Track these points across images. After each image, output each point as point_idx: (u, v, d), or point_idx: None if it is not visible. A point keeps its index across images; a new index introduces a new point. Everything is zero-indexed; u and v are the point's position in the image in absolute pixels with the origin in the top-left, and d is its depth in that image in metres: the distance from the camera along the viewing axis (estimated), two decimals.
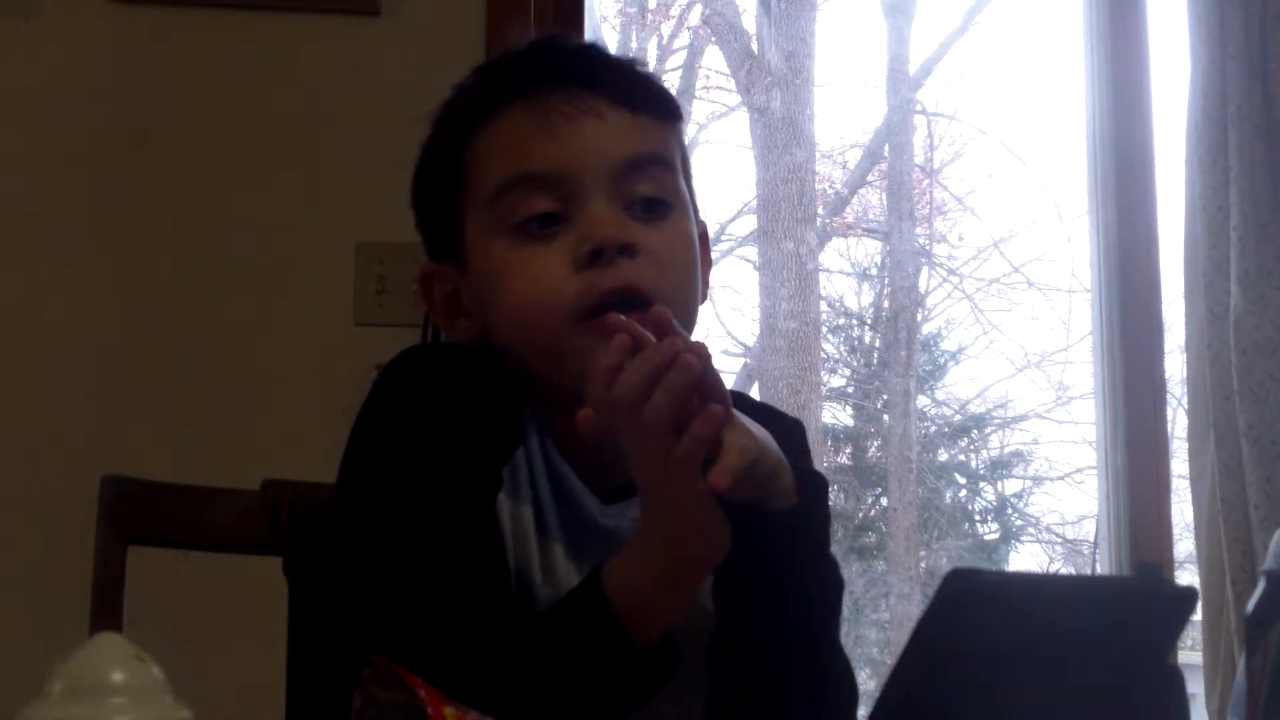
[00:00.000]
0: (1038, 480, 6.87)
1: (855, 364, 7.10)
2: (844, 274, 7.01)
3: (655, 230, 1.10)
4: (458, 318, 1.17)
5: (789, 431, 1.19)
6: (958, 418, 6.98)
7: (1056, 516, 6.76)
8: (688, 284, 1.12)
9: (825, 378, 6.75)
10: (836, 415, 6.99)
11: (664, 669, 0.98)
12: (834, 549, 1.11)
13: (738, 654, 1.03)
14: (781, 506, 1.01)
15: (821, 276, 6.69)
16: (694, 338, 1.02)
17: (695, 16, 7.05)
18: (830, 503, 1.11)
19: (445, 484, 1.05)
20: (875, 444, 6.88)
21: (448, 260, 1.16)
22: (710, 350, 0.98)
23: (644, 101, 1.14)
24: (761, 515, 1.00)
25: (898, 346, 6.66)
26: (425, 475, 1.05)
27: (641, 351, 0.95)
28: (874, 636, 6.19)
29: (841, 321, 7.09)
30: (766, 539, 1.01)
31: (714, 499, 0.96)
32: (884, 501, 6.64)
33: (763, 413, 1.14)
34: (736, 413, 0.98)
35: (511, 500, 1.08)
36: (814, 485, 1.04)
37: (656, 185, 1.12)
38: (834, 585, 1.09)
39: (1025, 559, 6.73)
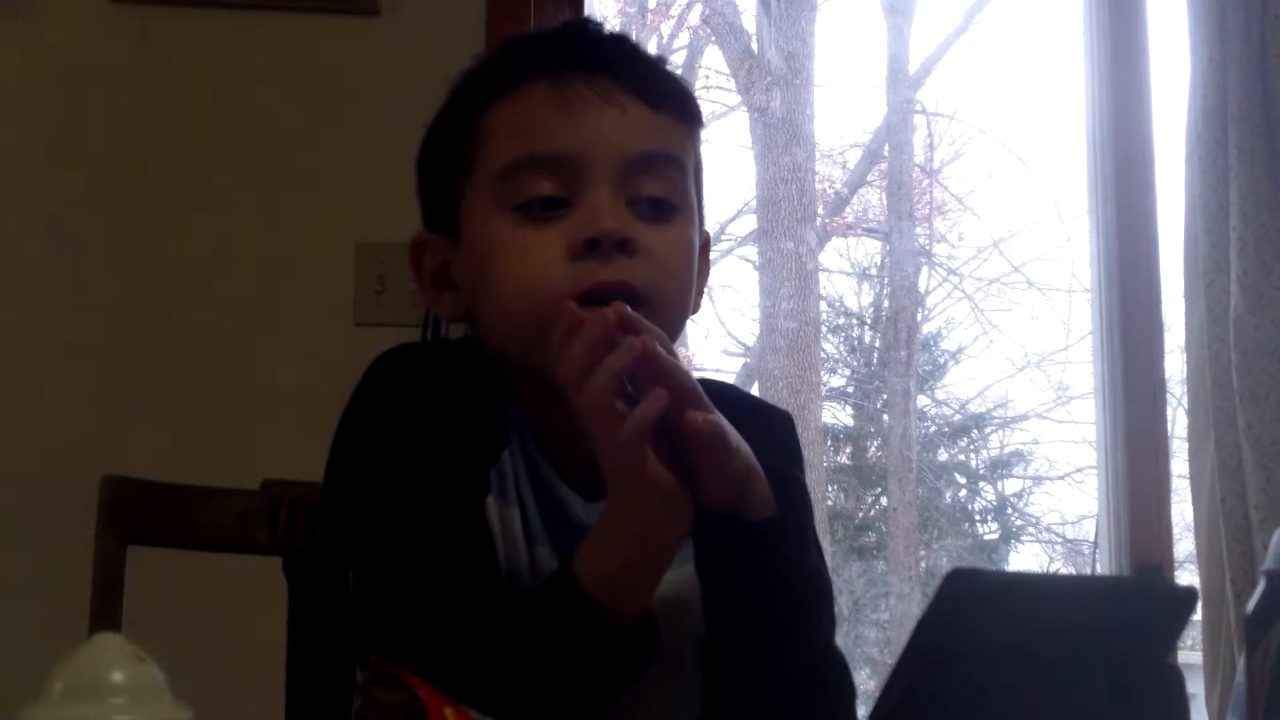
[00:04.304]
0: (1038, 480, 6.87)
1: (855, 364, 7.10)
2: (844, 274, 7.01)
3: (657, 231, 1.08)
4: (444, 291, 1.14)
5: (778, 426, 1.19)
6: (958, 418, 6.97)
7: (1056, 516, 6.76)
8: (682, 290, 1.10)
9: (825, 378, 6.74)
10: (836, 415, 6.99)
11: (645, 650, 0.98)
12: (834, 549, 1.11)
13: (729, 657, 1.03)
14: (760, 517, 1.00)
15: (821, 276, 6.68)
16: (689, 340, 1.02)
17: (695, 16, 7.04)
18: (814, 498, 1.10)
19: (434, 487, 1.04)
20: (875, 444, 6.88)
21: (442, 231, 1.14)
22: (670, 342, 0.99)
23: (667, 100, 1.11)
24: (741, 526, 1.00)
25: (898, 346, 6.65)
26: (413, 479, 1.04)
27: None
28: (874, 636, 6.18)
29: (841, 321, 7.09)
30: (747, 548, 1.00)
31: (675, 479, 0.96)
32: (884, 501, 6.63)
33: (751, 407, 1.13)
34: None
35: (500, 503, 1.08)
36: (790, 488, 1.03)
37: (665, 185, 1.09)
38: (820, 586, 1.08)
39: (1025, 559, 6.72)
